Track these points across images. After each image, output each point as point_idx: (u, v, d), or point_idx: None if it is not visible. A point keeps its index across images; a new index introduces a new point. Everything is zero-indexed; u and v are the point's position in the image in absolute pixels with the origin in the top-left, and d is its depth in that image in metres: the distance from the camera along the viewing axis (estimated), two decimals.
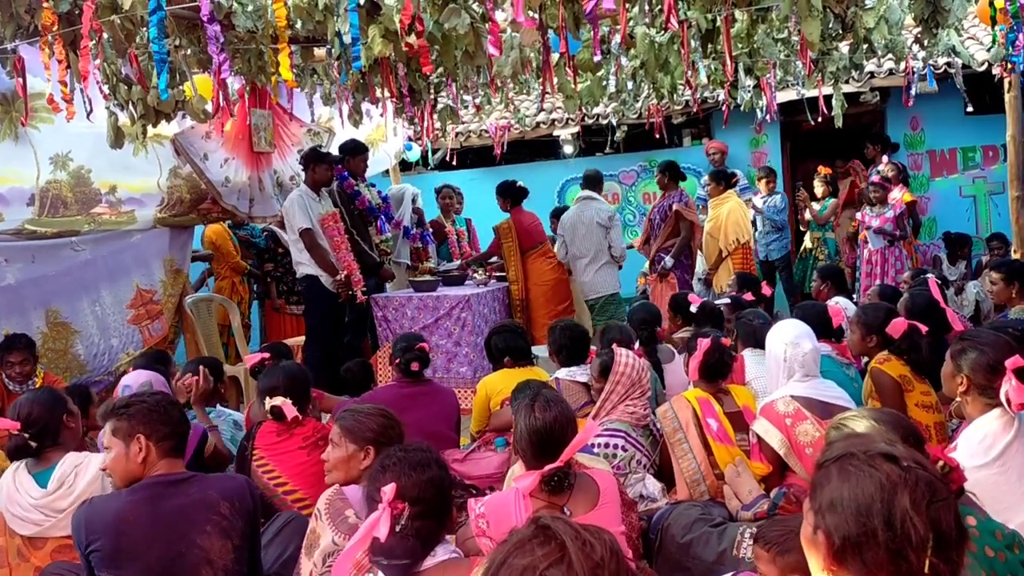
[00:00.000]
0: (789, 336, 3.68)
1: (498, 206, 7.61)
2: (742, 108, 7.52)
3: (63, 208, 5.62)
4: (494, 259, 7.65)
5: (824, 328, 4.32)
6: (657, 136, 7.93)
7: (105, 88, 4.70)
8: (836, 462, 1.44)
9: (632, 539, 3.21)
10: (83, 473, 3.12)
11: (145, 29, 3.95)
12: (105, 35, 4.26)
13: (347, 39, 3.72)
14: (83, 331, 6.11)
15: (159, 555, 2.50)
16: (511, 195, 7.46)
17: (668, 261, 7.72)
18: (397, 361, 4.36)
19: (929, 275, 5.66)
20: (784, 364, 3.66)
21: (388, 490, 2.04)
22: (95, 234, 6.00)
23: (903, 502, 1.32)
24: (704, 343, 3.78)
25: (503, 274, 7.59)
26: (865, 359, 4.27)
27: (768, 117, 7.24)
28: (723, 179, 8.26)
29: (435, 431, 4.13)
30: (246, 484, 2.81)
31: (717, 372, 3.82)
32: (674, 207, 7.69)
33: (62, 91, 4.20)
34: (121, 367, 6.24)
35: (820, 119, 7.18)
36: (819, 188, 8.89)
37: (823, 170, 9.00)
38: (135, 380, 4.03)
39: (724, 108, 7.45)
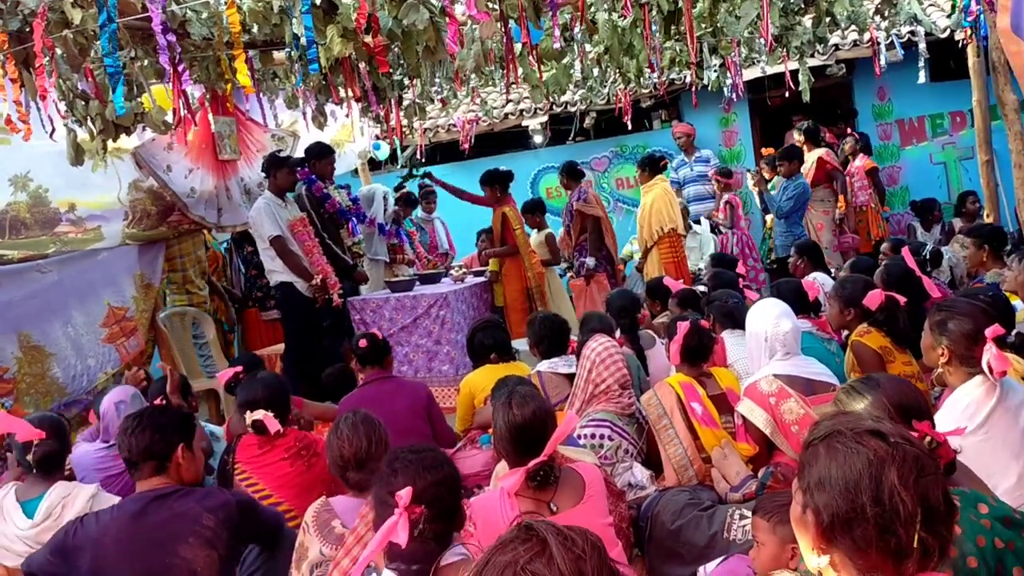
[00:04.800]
0: (769, 315, 3.67)
1: (486, 197, 7.47)
2: (709, 88, 7.51)
3: (24, 230, 5.52)
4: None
5: (801, 304, 4.32)
6: (626, 121, 7.89)
7: (62, 105, 4.61)
8: (823, 440, 1.44)
9: (622, 528, 3.20)
10: (71, 504, 3.09)
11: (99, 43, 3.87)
12: (59, 51, 4.17)
13: (304, 42, 3.66)
14: (58, 353, 6.01)
15: (142, 568, 2.52)
16: (500, 181, 7.32)
17: (590, 261, 7.69)
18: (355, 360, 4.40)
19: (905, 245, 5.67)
20: (765, 344, 3.66)
21: (404, 494, 2.00)
22: (61, 255, 5.89)
23: (891, 478, 1.32)
24: (683, 327, 3.77)
25: (482, 269, 7.54)
26: (845, 333, 4.27)
27: (735, 96, 7.22)
28: (648, 166, 8.01)
29: (408, 425, 4.10)
30: (232, 498, 2.80)
31: (698, 355, 3.81)
32: (575, 205, 7.65)
33: (18, 111, 4.11)
34: (100, 386, 6.15)
35: (788, 94, 7.19)
36: (765, 171, 8.86)
37: (767, 152, 9.00)
38: (119, 395, 3.99)
39: (691, 89, 7.43)
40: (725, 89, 7.26)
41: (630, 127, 8.27)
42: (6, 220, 5.46)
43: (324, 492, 3.05)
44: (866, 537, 1.33)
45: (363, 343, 4.49)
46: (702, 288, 5.73)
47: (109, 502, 3.06)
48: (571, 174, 7.72)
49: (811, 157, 8.21)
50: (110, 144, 4.99)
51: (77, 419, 5.59)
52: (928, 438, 1.49)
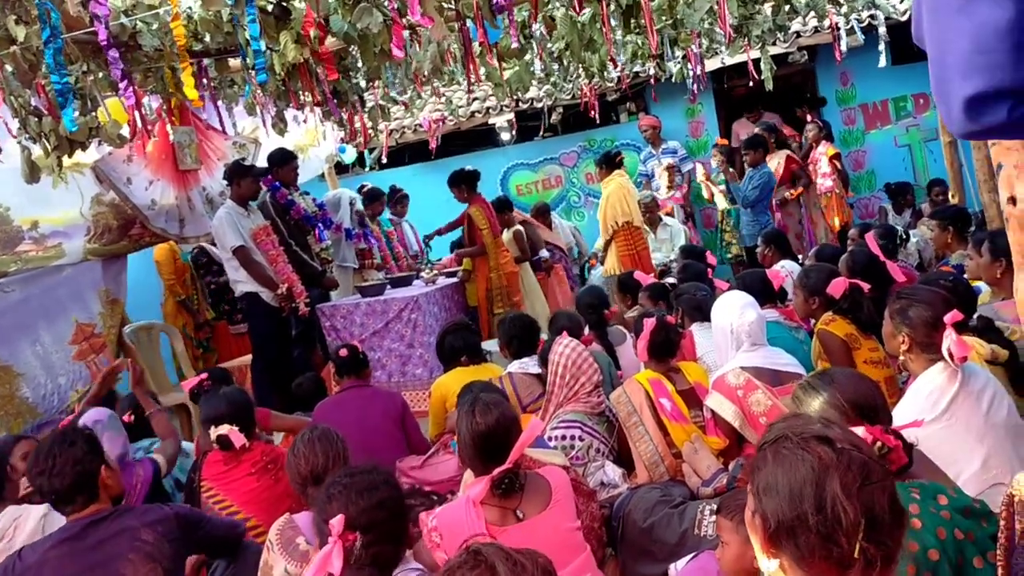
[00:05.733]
0: (734, 307, 3.68)
1: (454, 198, 7.41)
2: (673, 80, 7.51)
3: None
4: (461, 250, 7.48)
5: (766, 294, 4.33)
6: (593, 115, 7.88)
7: (14, 122, 4.52)
8: (772, 445, 1.43)
9: (593, 529, 3.18)
10: (22, 525, 3.06)
11: None
12: (8, 68, 4.09)
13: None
14: (27, 373, 5.91)
15: None
16: (466, 181, 7.25)
17: (543, 253, 7.72)
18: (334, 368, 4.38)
19: (872, 230, 5.70)
20: (731, 336, 3.66)
21: (336, 523, 1.96)
22: (23, 273, 5.79)
23: (834, 486, 1.30)
24: (649, 323, 3.75)
25: (454, 270, 7.50)
26: (813, 321, 4.28)
27: (696, 87, 7.22)
28: (604, 163, 8.06)
29: (382, 433, 4.09)
30: (171, 511, 2.78)
31: (665, 351, 3.80)
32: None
33: None
34: (72, 405, 6.05)
35: (752, 83, 7.19)
36: (715, 160, 8.88)
37: (720, 141, 9.03)
38: (92, 418, 3.90)
39: (653, 82, 7.41)
40: (688, 81, 7.26)
41: (598, 121, 8.26)
42: None
43: (292, 506, 3.03)
44: (809, 545, 1.31)
45: (344, 352, 4.45)
46: (672, 281, 5.73)
47: (60, 520, 2.98)
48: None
49: (778, 156, 8.25)
50: (70, 159, 4.91)
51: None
52: (879, 444, 1.46)
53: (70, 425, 3.31)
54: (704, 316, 4.37)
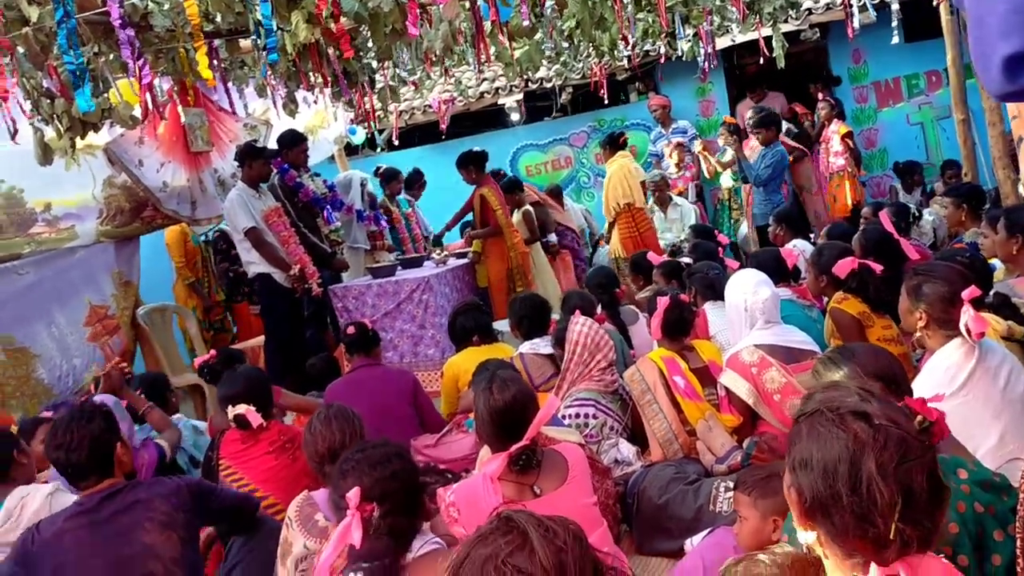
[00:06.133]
0: (747, 285, 3.68)
1: (463, 179, 7.39)
2: (684, 58, 7.47)
3: None
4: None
5: (779, 272, 4.32)
6: (603, 95, 7.84)
7: (27, 104, 4.53)
8: (808, 419, 1.40)
9: (608, 506, 3.21)
10: (29, 504, 3.09)
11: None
12: (21, 50, 4.10)
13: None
14: (43, 354, 5.95)
15: (107, 560, 2.55)
16: (474, 162, 7.24)
17: (552, 237, 7.73)
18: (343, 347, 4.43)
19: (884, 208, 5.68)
20: (745, 314, 3.66)
21: (352, 495, 1.98)
22: (37, 255, 5.82)
23: (869, 465, 1.27)
24: (663, 302, 3.76)
25: (464, 251, 7.51)
26: (826, 299, 4.28)
27: (707, 65, 7.18)
28: (608, 144, 8.14)
29: (394, 412, 4.11)
30: (182, 482, 2.84)
31: (679, 329, 3.80)
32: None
33: None
34: (86, 386, 6.10)
35: (763, 61, 7.15)
36: (722, 139, 8.84)
37: (728, 120, 9.00)
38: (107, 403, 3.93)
39: (662, 61, 7.37)
40: (699, 59, 7.22)
41: (607, 101, 8.23)
42: None
43: (310, 485, 3.04)
44: (843, 523, 1.29)
45: (351, 330, 4.49)
46: (686, 260, 5.72)
47: (67, 498, 3.07)
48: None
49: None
50: (83, 141, 4.92)
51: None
52: (920, 417, 1.42)
53: (88, 402, 3.35)
54: (717, 295, 4.37)
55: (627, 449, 3.71)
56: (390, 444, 2.24)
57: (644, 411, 3.69)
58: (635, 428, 3.86)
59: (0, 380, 5.57)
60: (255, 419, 3.50)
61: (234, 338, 7.67)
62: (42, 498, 3.10)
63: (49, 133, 4.76)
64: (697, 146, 8.95)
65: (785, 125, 8.84)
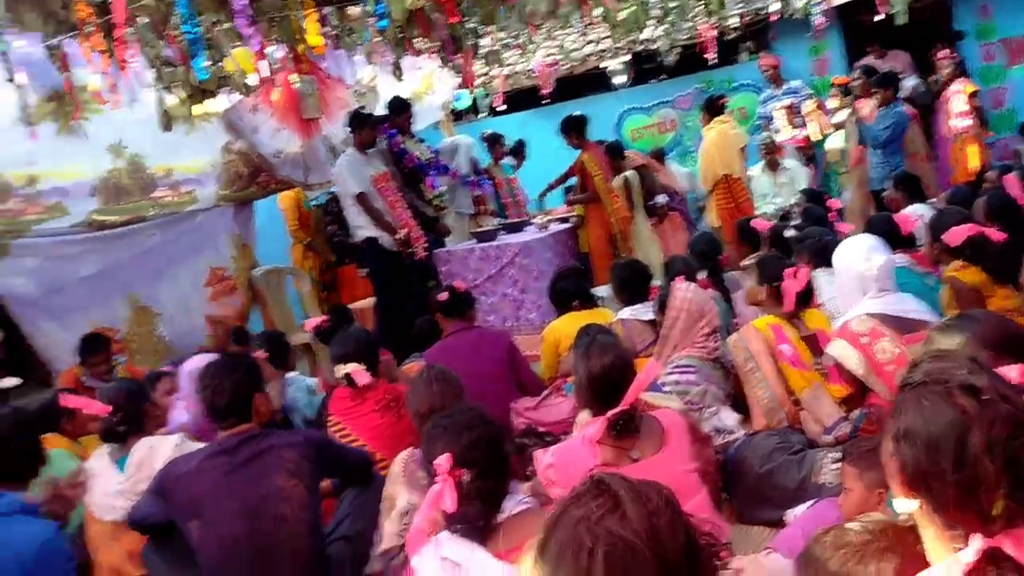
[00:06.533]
0: (860, 251, 3.56)
1: (566, 144, 7.31)
2: (796, 16, 7.19)
3: (124, 196, 5.75)
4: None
5: (894, 238, 4.14)
6: (709, 56, 7.63)
7: (149, 73, 4.74)
8: (913, 389, 1.35)
9: (709, 473, 3.17)
10: (158, 453, 3.26)
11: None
12: (143, 20, 4.27)
13: None
14: (165, 313, 6.28)
15: (241, 498, 2.71)
16: (576, 127, 7.17)
17: (660, 198, 7.58)
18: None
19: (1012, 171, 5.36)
20: (857, 281, 3.55)
21: (443, 460, 2.03)
22: (161, 218, 6.12)
23: (976, 441, 1.22)
24: (803, 271, 3.65)
25: (567, 215, 7.49)
26: (942, 267, 4.09)
27: (821, 22, 6.87)
28: (706, 108, 7.90)
29: (491, 374, 4.15)
30: (310, 437, 3.02)
31: (807, 299, 3.71)
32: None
33: (107, 81, 4.25)
34: (206, 344, 6.41)
35: (881, 17, 6.80)
36: (832, 101, 8.43)
37: (838, 80, 8.58)
38: (194, 365, 4.12)
39: (774, 19, 7.11)
40: (813, 16, 6.93)
41: (715, 62, 8.02)
42: (108, 187, 5.70)
43: (414, 443, 3.13)
44: (946, 497, 1.25)
45: (443, 296, 4.55)
46: (794, 225, 5.56)
47: (193, 447, 3.26)
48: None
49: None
50: (201, 108, 5.13)
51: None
52: None
53: (239, 352, 3.56)
54: (827, 261, 4.23)
55: (729, 417, 3.65)
56: (475, 409, 2.28)
57: (747, 379, 3.62)
58: (738, 396, 3.80)
59: (126, 336, 5.90)
60: (362, 378, 3.62)
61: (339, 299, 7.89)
62: (171, 448, 3.28)
63: (170, 100, 4.98)
64: (809, 106, 8.61)
65: (913, 81, 8.42)
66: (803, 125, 8.90)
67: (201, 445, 3.26)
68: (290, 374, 4.60)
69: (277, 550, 2.71)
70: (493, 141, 8.05)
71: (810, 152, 8.99)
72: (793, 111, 8.91)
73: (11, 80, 3.90)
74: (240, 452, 2.79)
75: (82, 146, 5.39)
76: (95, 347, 5.02)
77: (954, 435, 1.25)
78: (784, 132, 8.89)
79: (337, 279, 8.12)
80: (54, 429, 3.85)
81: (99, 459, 3.37)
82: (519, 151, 8.70)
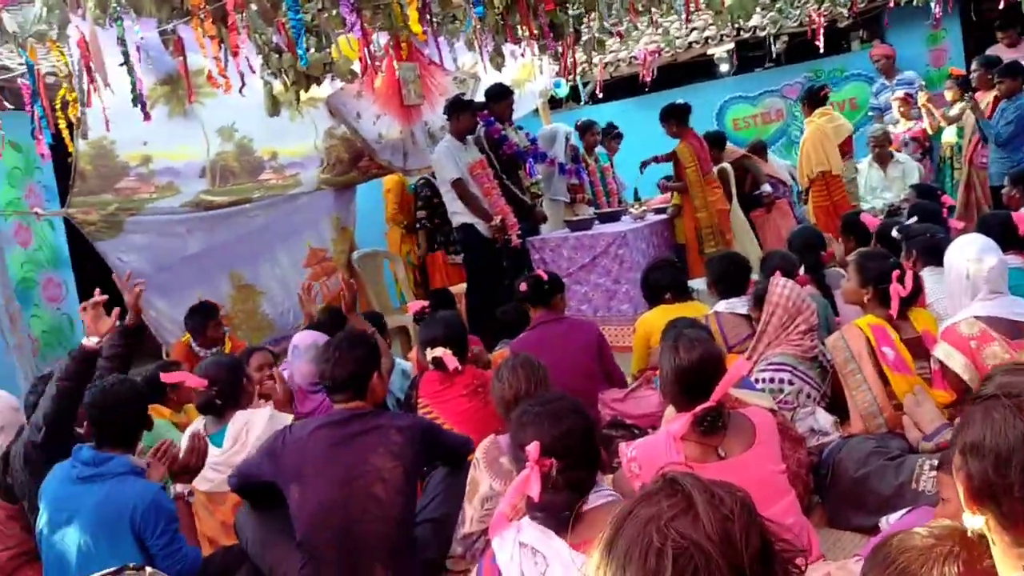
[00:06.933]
0: (971, 251, 3.38)
1: (665, 133, 7.19)
2: (915, 3, 6.87)
3: (232, 178, 5.94)
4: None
5: (1009, 238, 3.92)
6: (819, 44, 7.37)
7: (258, 59, 4.88)
8: (983, 402, 1.34)
9: (800, 475, 3.10)
10: (254, 427, 3.41)
11: None
12: (253, 7, 4.41)
13: None
14: (267, 291, 6.47)
15: (340, 470, 2.80)
16: (676, 115, 7.03)
17: (767, 187, 7.39)
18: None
19: None
20: (967, 282, 3.37)
21: (532, 449, 2.02)
22: (266, 200, 6.31)
23: None
24: (909, 276, 3.51)
25: (663, 206, 7.39)
26: None
27: (941, 10, 6.54)
28: (807, 99, 7.61)
29: (578, 365, 4.13)
30: (417, 422, 3.10)
31: (912, 302, 3.56)
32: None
33: (217, 66, 4.40)
34: (304, 323, 6.58)
35: (1005, 4, 6.45)
36: (948, 94, 7.97)
37: (955, 72, 8.11)
38: (302, 340, 4.23)
39: (889, 6, 6.81)
40: (933, 3, 6.61)
41: (825, 50, 7.73)
42: (217, 168, 5.90)
43: (500, 428, 3.15)
44: (1013, 513, 1.22)
45: (523, 287, 4.54)
46: (906, 222, 5.32)
47: (285, 419, 3.43)
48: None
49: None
50: (306, 94, 5.26)
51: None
52: None
53: (361, 330, 3.70)
54: (938, 260, 4.04)
55: (824, 418, 3.55)
56: (567, 398, 2.25)
57: (846, 381, 3.50)
58: (835, 397, 3.68)
59: (230, 313, 6.11)
60: (451, 362, 3.66)
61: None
62: (264, 420, 3.42)
63: (277, 86, 5.12)
64: (921, 98, 8.22)
65: None
66: (919, 117, 8.53)
67: (289, 417, 3.39)
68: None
69: (365, 528, 2.78)
70: (586, 129, 7.99)
71: (926, 145, 8.60)
72: (910, 102, 8.55)
73: (124, 64, 4.06)
74: (349, 427, 2.88)
75: (194, 129, 5.59)
76: (204, 317, 5.23)
77: (1022, 451, 1.23)
78: (901, 124, 8.53)
79: (427, 264, 8.23)
80: (159, 399, 4.04)
81: (195, 432, 3.51)
82: (613, 138, 8.59)
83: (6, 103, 4.33)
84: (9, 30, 3.75)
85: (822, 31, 7.27)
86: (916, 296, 3.60)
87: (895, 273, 3.52)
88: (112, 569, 2.43)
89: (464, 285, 6.93)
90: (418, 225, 7.78)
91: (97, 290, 3.55)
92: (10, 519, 3.29)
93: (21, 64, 4.22)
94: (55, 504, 2.86)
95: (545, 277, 4.58)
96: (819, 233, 4.98)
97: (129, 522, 2.75)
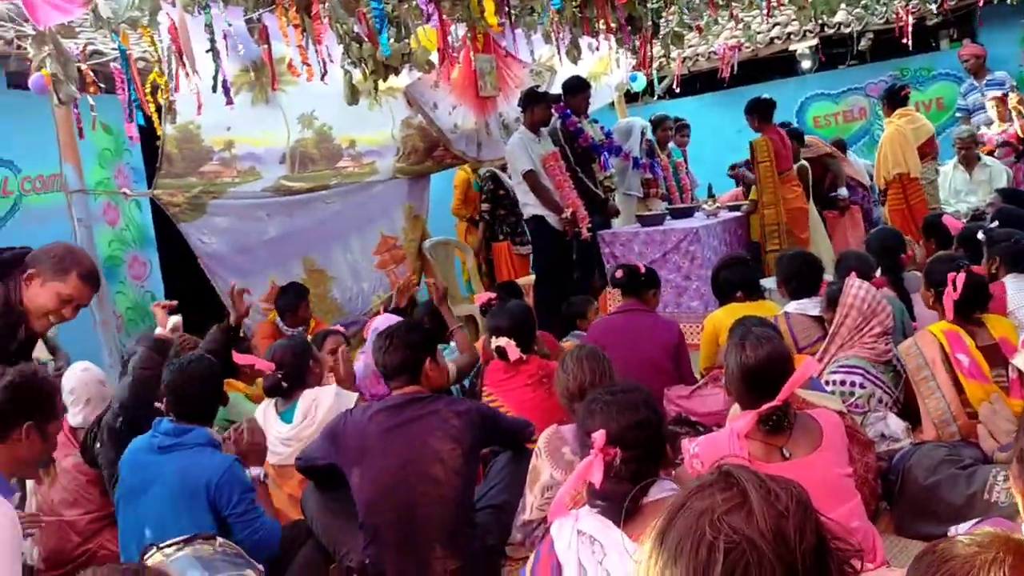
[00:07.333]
0: None
1: (746, 127, 7.14)
2: (1009, 1, 6.62)
3: (311, 164, 6.08)
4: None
5: None
6: (906, 41, 7.16)
7: (338, 48, 4.98)
8: None
9: (868, 480, 3.04)
10: (321, 403, 3.53)
11: None
12: None
13: None
14: (337, 277, 6.61)
15: (398, 452, 2.86)
16: (758, 110, 6.99)
17: (842, 191, 7.28)
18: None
19: None
20: None
21: (598, 437, 2.02)
22: (342, 187, 6.43)
23: None
24: (960, 279, 3.42)
25: (737, 203, 7.29)
26: None
27: None
28: (887, 99, 7.44)
29: (652, 360, 4.13)
30: (474, 406, 3.13)
31: (974, 307, 3.47)
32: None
33: (300, 54, 4.50)
34: (373, 309, 6.71)
35: None
36: None
37: None
38: (384, 323, 4.32)
39: (981, 4, 6.57)
40: None
41: (912, 48, 7.52)
42: (297, 155, 6.04)
43: (563, 419, 3.18)
44: None
45: (619, 273, 4.56)
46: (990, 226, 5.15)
47: (350, 398, 3.53)
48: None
49: None
50: (385, 84, 5.34)
51: (357, 339, 6.14)
52: None
53: (415, 320, 3.77)
54: (1021, 267, 3.93)
55: (895, 424, 3.48)
56: (639, 390, 2.24)
57: (919, 388, 3.43)
58: (907, 403, 3.60)
59: None
60: (513, 353, 3.70)
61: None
62: (332, 397, 3.54)
63: (357, 75, 5.22)
64: (1012, 100, 7.91)
65: None
66: (1013, 119, 8.22)
67: (355, 395, 3.51)
68: (452, 344, 4.75)
69: (425, 508, 2.83)
70: (659, 124, 7.93)
71: (1020, 148, 8.28)
72: (1004, 104, 8.24)
73: (211, 51, 4.20)
74: (405, 411, 2.94)
75: (275, 115, 5.73)
76: (296, 297, 5.44)
77: None
78: (996, 125, 8.24)
79: (492, 255, 8.28)
80: (234, 375, 4.18)
81: (265, 410, 3.64)
82: (679, 131, 8.48)
83: (99, 86, 4.50)
84: (103, 16, 3.90)
85: (910, 28, 7.06)
86: (985, 302, 3.50)
87: (950, 276, 3.43)
88: (185, 537, 2.56)
89: (531, 277, 6.97)
90: (479, 218, 7.84)
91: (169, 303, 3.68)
92: (90, 483, 3.47)
93: (114, 49, 4.37)
94: (134, 472, 2.99)
95: (643, 269, 4.60)
96: (899, 235, 4.86)
97: (205, 491, 2.86)
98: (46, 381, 2.45)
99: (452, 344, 4.66)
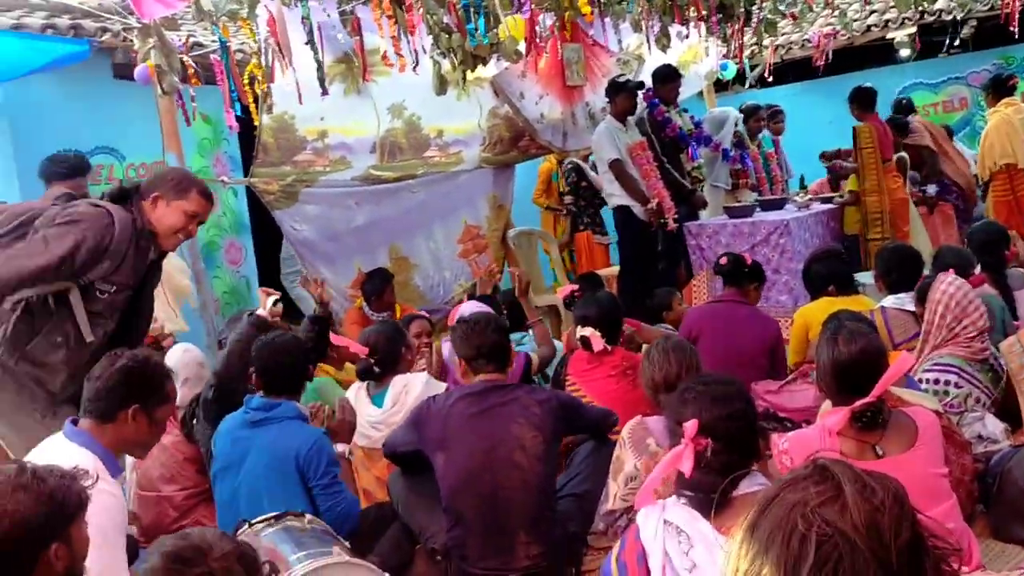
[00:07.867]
0: None
1: (840, 118, 7.08)
2: None
3: (399, 154, 6.18)
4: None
5: None
6: (1013, 28, 6.83)
7: (428, 39, 5.05)
8: None
9: (964, 481, 2.95)
10: (412, 390, 3.61)
11: None
12: None
13: None
14: (420, 265, 6.72)
15: (481, 438, 2.91)
16: (858, 99, 6.86)
17: (931, 188, 7.04)
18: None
19: None
20: None
21: (690, 426, 2.01)
22: (428, 176, 6.52)
23: None
24: None
25: (831, 195, 7.11)
26: None
27: None
28: (991, 88, 7.13)
29: (746, 353, 4.08)
30: (554, 395, 3.17)
31: None
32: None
33: (394, 45, 4.58)
34: (455, 297, 6.79)
35: None
36: None
37: None
38: (469, 309, 4.38)
39: None
40: None
41: (1018, 35, 7.17)
42: (386, 144, 6.15)
43: (646, 411, 3.17)
44: None
45: (723, 260, 4.54)
46: None
47: (439, 387, 3.58)
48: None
49: None
50: (472, 74, 5.39)
51: (441, 325, 6.22)
52: None
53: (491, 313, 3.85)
54: None
55: (994, 424, 3.35)
56: (734, 382, 2.22)
57: (1020, 387, 3.31)
58: (1007, 404, 3.47)
59: None
60: (597, 343, 3.70)
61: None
62: (421, 384, 3.63)
63: (445, 66, 5.28)
64: None
65: None
66: None
67: (444, 385, 3.56)
68: (530, 333, 4.78)
69: (508, 494, 2.87)
70: (750, 114, 7.78)
71: None
72: None
73: (308, 43, 4.30)
74: (488, 398, 2.98)
75: (366, 106, 5.84)
76: (383, 282, 5.56)
77: None
78: None
79: (574, 246, 8.28)
80: (323, 357, 4.29)
81: (356, 392, 3.73)
82: (777, 119, 8.29)
83: (200, 78, 4.67)
84: (205, 9, 4.04)
85: (1017, 15, 6.73)
86: None
87: None
88: (275, 514, 2.65)
89: (613, 268, 6.93)
90: (564, 211, 7.84)
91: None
92: (187, 461, 3.62)
93: (214, 41, 4.53)
94: (228, 447, 3.11)
95: (749, 261, 4.56)
96: (1003, 230, 4.66)
97: (295, 462, 2.96)
98: (159, 367, 2.57)
99: (530, 333, 4.69)
